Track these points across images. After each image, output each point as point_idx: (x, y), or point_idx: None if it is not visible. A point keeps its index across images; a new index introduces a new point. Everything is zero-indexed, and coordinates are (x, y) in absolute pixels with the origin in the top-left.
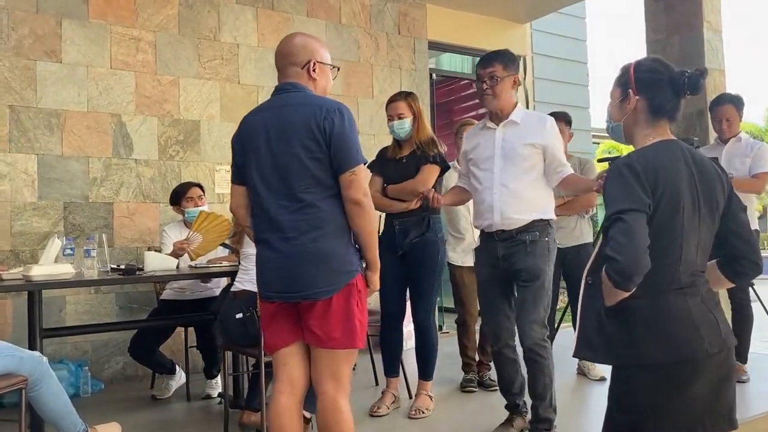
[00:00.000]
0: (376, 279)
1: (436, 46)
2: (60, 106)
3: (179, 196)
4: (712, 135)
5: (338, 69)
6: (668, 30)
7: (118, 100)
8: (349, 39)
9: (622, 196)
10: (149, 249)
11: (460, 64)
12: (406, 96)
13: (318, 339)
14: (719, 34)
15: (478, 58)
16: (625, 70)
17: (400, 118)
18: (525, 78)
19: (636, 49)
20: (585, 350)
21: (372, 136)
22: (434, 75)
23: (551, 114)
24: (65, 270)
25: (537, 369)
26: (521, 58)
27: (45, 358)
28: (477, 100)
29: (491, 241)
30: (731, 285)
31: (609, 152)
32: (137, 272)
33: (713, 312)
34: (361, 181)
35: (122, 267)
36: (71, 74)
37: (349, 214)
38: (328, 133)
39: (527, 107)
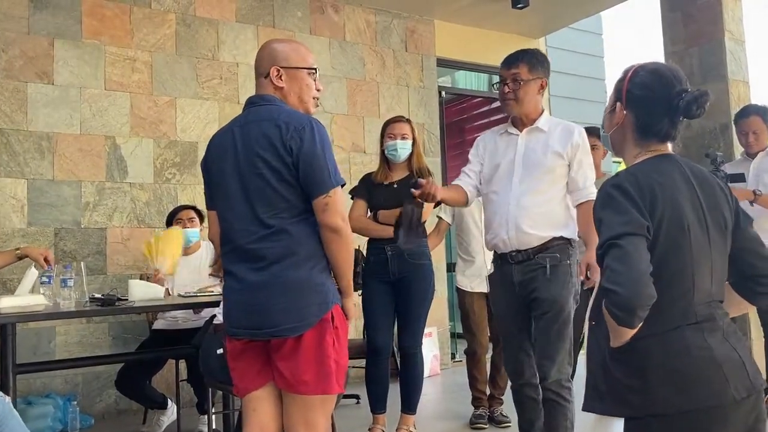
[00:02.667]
0: (351, 305)
1: (446, 63)
2: (51, 129)
3: (171, 219)
4: (738, 149)
5: (316, 70)
6: (687, 41)
7: (112, 122)
8: (354, 57)
9: (614, 220)
10: (141, 276)
11: (476, 82)
12: (408, 120)
13: (287, 382)
14: (742, 44)
15: (493, 76)
16: (625, 75)
17: (404, 139)
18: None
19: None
20: (593, 401)
21: (378, 155)
22: (443, 93)
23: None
24: (37, 301)
25: (558, 413)
26: None
27: (7, 398)
28: (491, 119)
29: (506, 264)
30: (749, 309)
31: None
32: (117, 302)
33: (737, 349)
34: (338, 205)
35: (102, 297)
36: (64, 96)
37: (325, 241)
38: (296, 154)
39: None
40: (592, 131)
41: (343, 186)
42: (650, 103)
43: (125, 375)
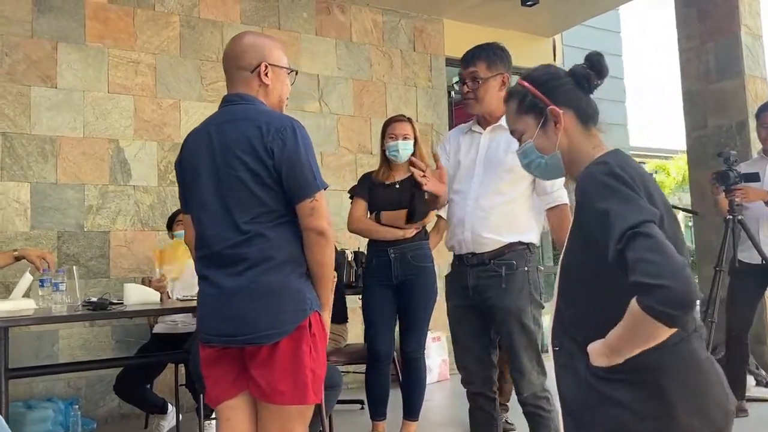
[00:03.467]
0: (328, 318)
1: (455, 63)
2: (55, 133)
3: (172, 222)
4: (755, 148)
5: (296, 73)
6: (702, 36)
7: (115, 125)
8: (361, 57)
9: (625, 208)
10: (144, 279)
11: None
12: (409, 119)
13: (262, 392)
14: (759, 39)
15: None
16: (521, 91)
17: (405, 139)
18: None
19: (673, 61)
20: None
21: None
22: (453, 93)
23: None
24: (27, 306)
25: (540, 425)
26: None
27: None
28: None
29: (462, 266)
30: None
31: (655, 172)
32: (109, 306)
33: None
34: (324, 209)
35: (94, 301)
36: (67, 99)
37: (309, 245)
38: (277, 157)
39: None
40: None
41: (325, 189)
42: (570, 87)
43: (123, 379)
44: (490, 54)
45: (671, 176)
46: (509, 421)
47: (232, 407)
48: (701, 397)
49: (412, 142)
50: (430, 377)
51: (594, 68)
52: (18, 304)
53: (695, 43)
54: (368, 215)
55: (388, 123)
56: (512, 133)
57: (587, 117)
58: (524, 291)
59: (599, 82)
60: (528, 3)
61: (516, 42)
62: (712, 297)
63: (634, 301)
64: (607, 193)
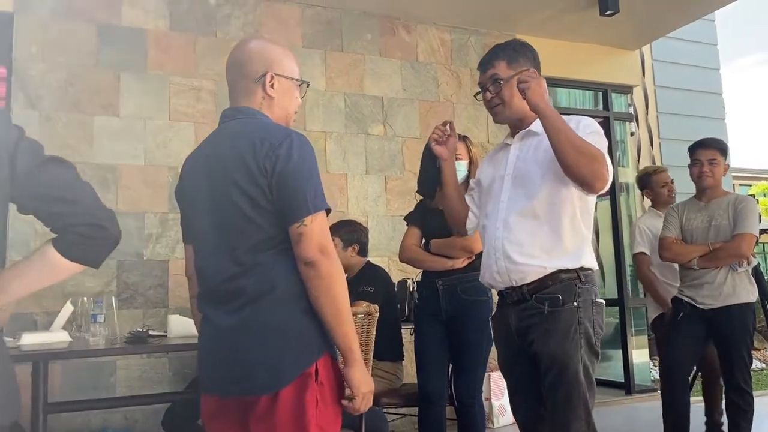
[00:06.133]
0: (357, 376)
1: None
2: (116, 161)
3: None
4: None
5: (308, 84)
6: None
7: (176, 153)
8: (428, 77)
9: None
10: None
11: (581, 99)
12: (463, 137)
13: None
14: None
15: (593, 91)
16: None
17: (457, 160)
18: (647, 113)
19: None
20: None
21: None
22: None
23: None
24: (60, 338)
25: None
26: (632, 90)
27: None
28: None
29: (504, 305)
30: None
31: (764, 195)
32: (148, 340)
33: None
34: (315, 235)
35: (134, 333)
36: (128, 128)
37: (303, 279)
38: (270, 174)
39: (651, 145)
40: (708, 143)
41: (329, 212)
42: None
43: (171, 414)
44: (510, 51)
45: None
46: None
47: None
48: None
49: (465, 162)
50: (505, 420)
51: None
52: (51, 337)
53: None
54: (421, 243)
55: None
56: None
57: None
58: (573, 333)
59: None
60: (607, 12)
61: (598, 56)
62: None
63: None
64: None
